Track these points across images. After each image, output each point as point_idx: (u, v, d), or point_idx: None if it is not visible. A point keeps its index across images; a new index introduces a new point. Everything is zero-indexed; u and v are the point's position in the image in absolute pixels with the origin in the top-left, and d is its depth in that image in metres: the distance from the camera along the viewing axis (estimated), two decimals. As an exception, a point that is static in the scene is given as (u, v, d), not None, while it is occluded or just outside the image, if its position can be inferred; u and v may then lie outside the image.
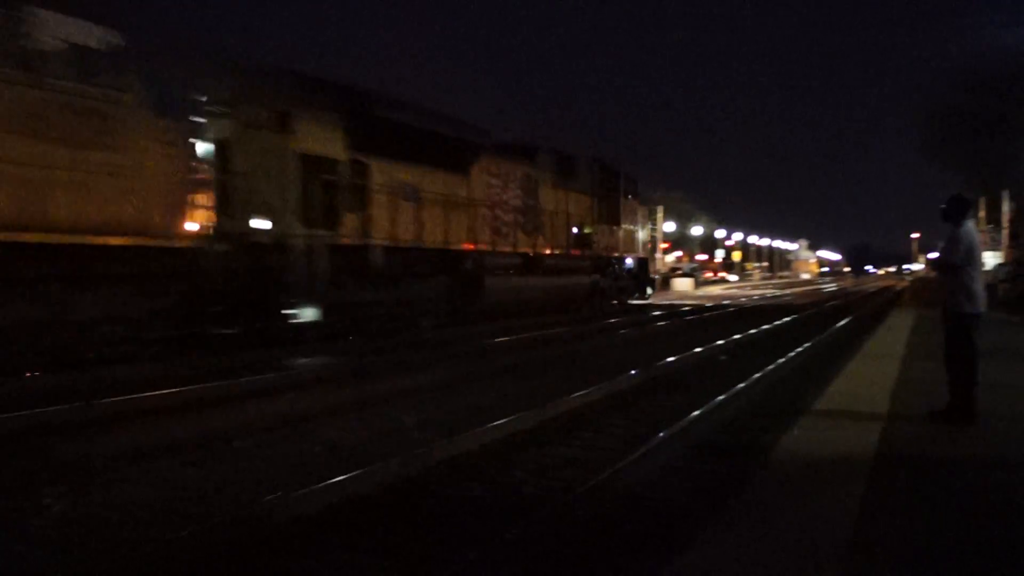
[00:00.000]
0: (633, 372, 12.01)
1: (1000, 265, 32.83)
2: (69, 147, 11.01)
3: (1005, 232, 38.93)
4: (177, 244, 12.58)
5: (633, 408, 10.02)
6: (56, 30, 10.98)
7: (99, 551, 5.04)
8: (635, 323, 23.79)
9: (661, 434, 7.80)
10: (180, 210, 12.67)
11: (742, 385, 10.82)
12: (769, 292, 58.05)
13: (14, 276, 10.73)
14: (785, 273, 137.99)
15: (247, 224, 14.20)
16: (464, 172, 20.57)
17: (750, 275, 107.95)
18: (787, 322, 24.39)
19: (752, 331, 19.97)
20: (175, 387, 10.26)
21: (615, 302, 29.56)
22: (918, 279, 53.44)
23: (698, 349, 15.39)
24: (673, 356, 14.12)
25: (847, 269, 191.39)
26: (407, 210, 18.25)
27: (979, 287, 7.63)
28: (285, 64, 17.21)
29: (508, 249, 22.62)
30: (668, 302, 36.69)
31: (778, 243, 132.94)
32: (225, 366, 12.45)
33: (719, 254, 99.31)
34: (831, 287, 74.35)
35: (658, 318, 25.84)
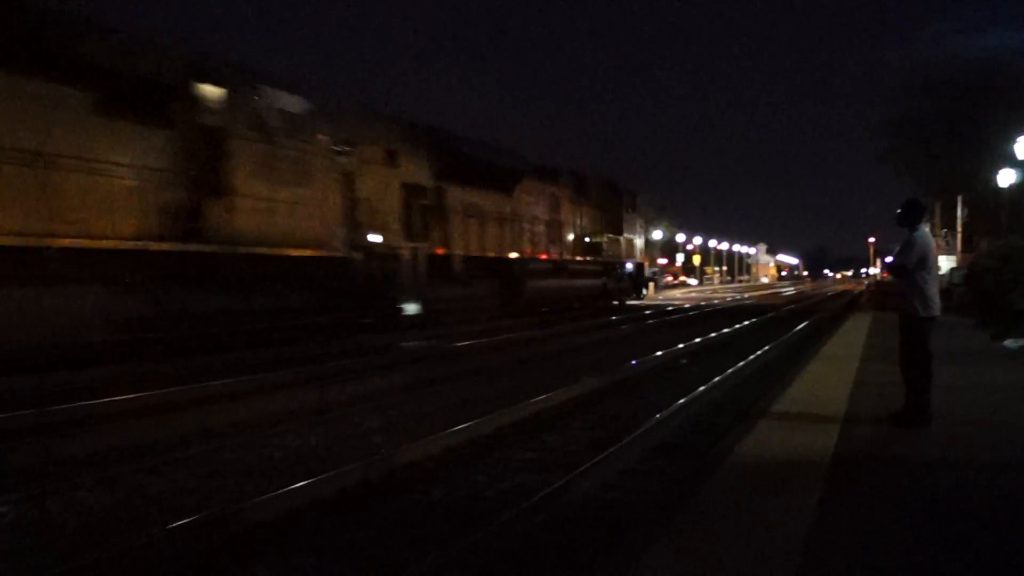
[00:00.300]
0: (597, 375, 12.06)
1: (954, 269, 33.39)
2: (286, 185, 16.15)
3: (959, 236, 39.64)
4: (336, 254, 17.47)
5: (595, 410, 10.06)
6: (275, 101, 15.97)
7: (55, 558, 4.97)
8: (599, 327, 23.88)
9: (623, 440, 7.82)
10: (338, 228, 17.63)
11: (701, 388, 10.93)
12: (729, 296, 58.51)
13: (253, 277, 15.44)
14: (744, 277, 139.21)
15: (366, 238, 18.49)
16: (509, 193, 25.47)
17: (710, 279, 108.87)
18: (747, 325, 24.62)
19: (712, 334, 20.12)
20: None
21: (615, 302, 34.08)
22: (875, 283, 54.29)
23: (659, 353, 15.47)
24: (635, 360, 14.20)
25: (805, 273, 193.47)
26: (473, 225, 23.34)
27: (933, 291, 7.74)
28: (387, 110, 22.58)
29: (541, 256, 27.66)
30: (629, 303, 36.80)
31: (737, 247, 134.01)
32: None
33: (679, 258, 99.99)
34: (790, 291, 75.15)
35: (620, 322, 25.93)
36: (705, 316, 30.05)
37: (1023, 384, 10.33)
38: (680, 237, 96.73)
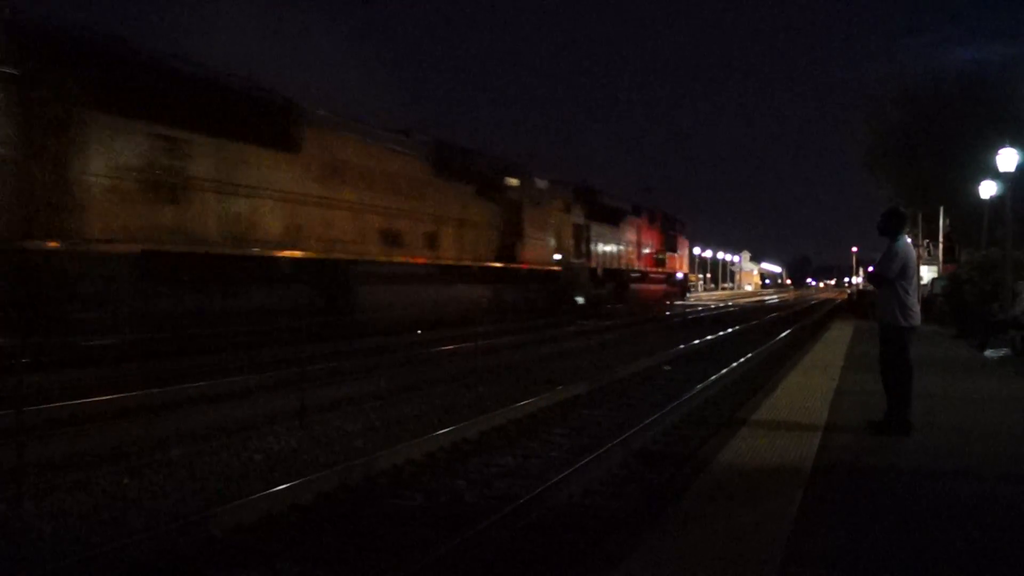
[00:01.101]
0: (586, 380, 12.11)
1: (936, 279, 33.63)
2: (540, 229, 28.14)
3: (941, 247, 39.86)
4: (554, 268, 29.15)
5: (580, 414, 10.08)
6: (535, 183, 27.91)
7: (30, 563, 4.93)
8: (596, 330, 24.02)
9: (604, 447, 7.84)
10: (553, 253, 29.25)
11: (684, 396, 10.96)
12: (713, 304, 58.71)
13: (527, 279, 27.61)
14: (728, 285, 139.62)
15: (560, 258, 29.73)
16: (618, 225, 36.66)
17: (694, 287, 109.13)
18: (730, 333, 24.72)
19: (696, 341, 20.19)
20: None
21: (668, 302, 45.35)
22: (858, 292, 54.89)
23: (644, 359, 15.51)
24: (621, 367, 14.23)
25: (788, 282, 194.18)
26: (603, 248, 34.60)
27: (914, 301, 7.77)
28: (564, 176, 32.06)
29: (635, 268, 39.29)
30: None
31: (721, 255, 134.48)
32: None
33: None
34: (773, 299, 75.46)
35: (609, 328, 26.00)
36: (690, 323, 30.24)
37: (1003, 394, 10.41)
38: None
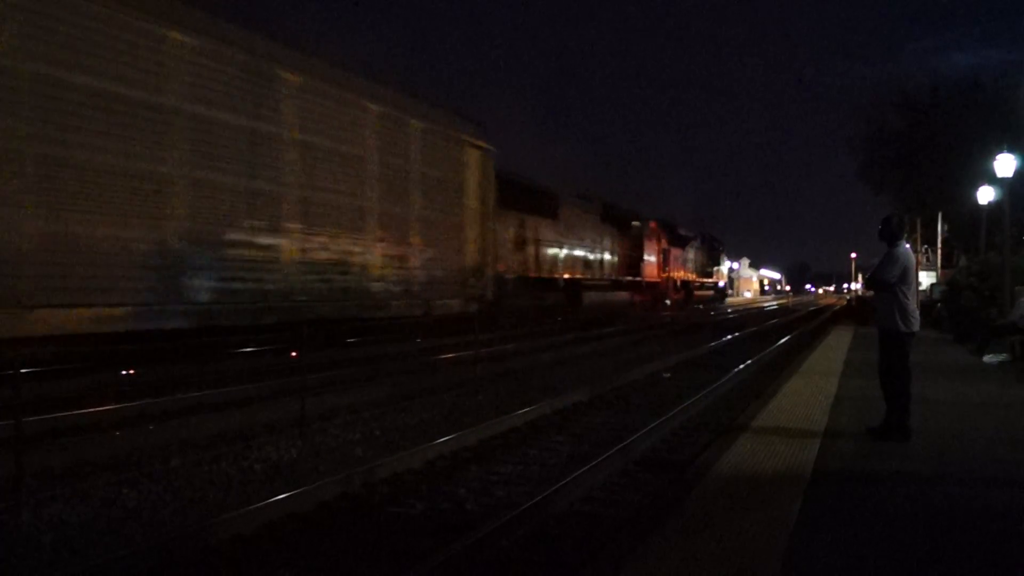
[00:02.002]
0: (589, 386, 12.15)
1: (935, 285, 33.67)
2: (652, 257, 41.50)
3: (940, 253, 39.95)
4: (655, 281, 41.51)
5: (578, 422, 10.07)
6: (610, 213, 36.37)
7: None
8: (595, 338, 23.97)
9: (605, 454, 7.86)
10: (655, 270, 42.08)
11: (684, 403, 10.95)
12: (713, 311, 58.68)
13: (612, 288, 36.50)
14: (728, 291, 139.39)
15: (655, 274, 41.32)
16: (684, 248, 48.31)
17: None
18: (730, 340, 24.73)
19: (697, 348, 20.18)
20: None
21: (700, 305, 54.17)
22: (856, 297, 55.09)
23: (645, 365, 15.51)
24: (624, 373, 14.22)
25: (788, 288, 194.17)
26: (682, 267, 46.70)
27: (913, 306, 7.79)
28: (655, 214, 43.25)
29: (690, 279, 50.64)
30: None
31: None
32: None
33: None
34: (773, 305, 75.52)
35: (612, 334, 25.99)
36: (692, 329, 30.18)
37: (1001, 399, 10.41)
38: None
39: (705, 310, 51.60)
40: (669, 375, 15.23)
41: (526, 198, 25.91)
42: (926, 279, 36.59)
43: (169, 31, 11.71)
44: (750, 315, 46.74)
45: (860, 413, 8.81)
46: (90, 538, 5.66)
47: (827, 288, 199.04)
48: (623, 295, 36.86)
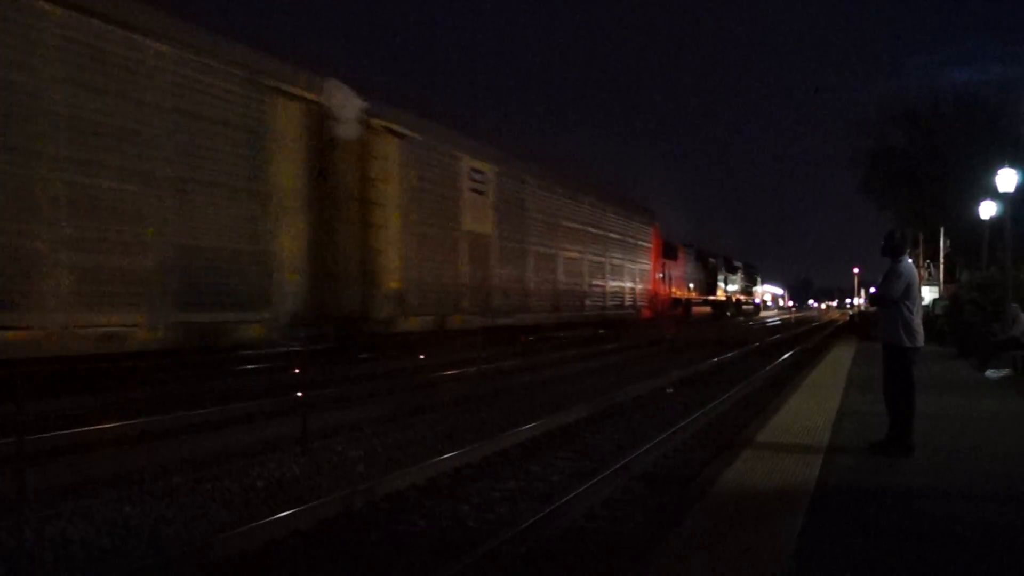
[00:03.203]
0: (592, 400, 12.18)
1: (937, 299, 33.63)
2: (718, 281, 60.90)
3: (942, 267, 39.92)
4: (721, 299, 61.43)
5: (581, 438, 10.06)
6: (714, 258, 60.03)
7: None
8: (599, 353, 23.98)
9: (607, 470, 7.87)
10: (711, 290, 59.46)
11: (687, 419, 10.94)
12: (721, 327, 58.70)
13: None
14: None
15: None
16: (735, 273, 67.77)
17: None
18: (734, 355, 24.69)
19: (700, 363, 20.15)
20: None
21: (741, 317, 70.20)
22: (859, 313, 55.47)
23: (648, 381, 15.50)
24: (624, 389, 14.21)
25: (791, 303, 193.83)
26: (731, 287, 66.91)
27: (918, 321, 7.79)
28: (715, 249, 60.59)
29: (741, 298, 72.46)
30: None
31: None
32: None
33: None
34: (776, 320, 75.50)
35: (614, 351, 25.97)
36: (694, 345, 30.17)
37: (1004, 414, 10.39)
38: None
39: (717, 326, 52.16)
40: (672, 391, 15.20)
41: (665, 251, 40.65)
42: (928, 294, 36.52)
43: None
44: (752, 331, 46.66)
45: (863, 428, 8.79)
46: (92, 556, 5.65)
47: (830, 303, 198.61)
48: (707, 308, 55.30)
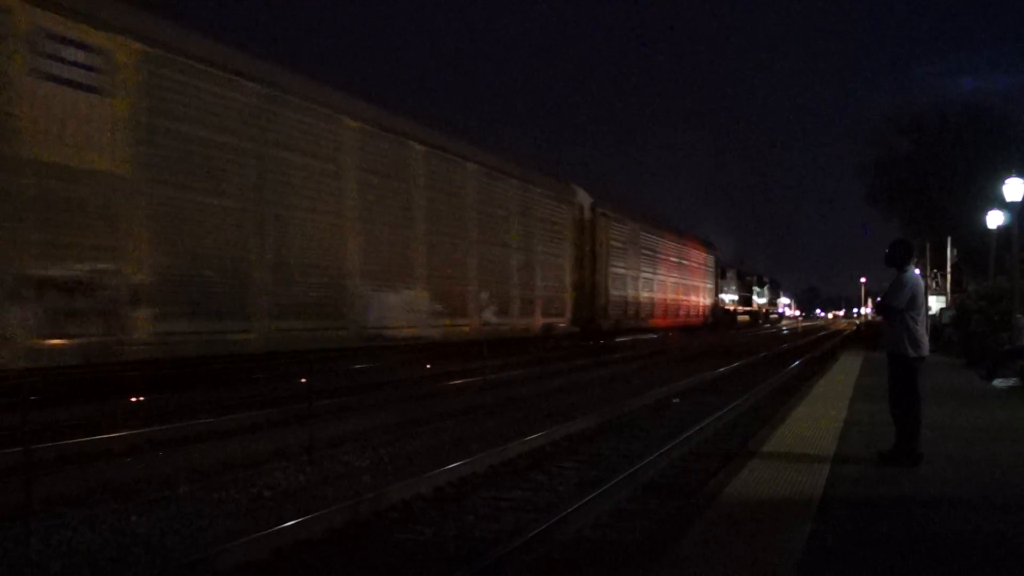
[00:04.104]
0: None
1: (944, 309, 33.53)
2: (743, 292, 77.61)
3: (949, 277, 39.81)
4: (752, 310, 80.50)
5: (590, 447, 10.05)
6: (738, 272, 74.63)
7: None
8: (617, 361, 24.01)
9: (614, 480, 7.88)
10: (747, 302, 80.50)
11: (693, 428, 10.92)
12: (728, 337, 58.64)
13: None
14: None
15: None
16: (764, 287, 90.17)
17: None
18: (740, 365, 24.65)
19: (708, 373, 20.11)
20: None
21: (767, 324, 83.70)
22: (865, 323, 55.62)
23: (655, 390, 15.48)
24: (630, 400, 14.20)
25: (799, 313, 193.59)
26: (757, 299, 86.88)
27: (922, 331, 7.77)
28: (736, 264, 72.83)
29: (766, 309, 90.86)
30: (631, 339, 37.55)
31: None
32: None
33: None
34: (784, 331, 75.44)
35: (624, 359, 25.98)
36: (702, 355, 30.14)
37: (1012, 424, 10.36)
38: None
39: (727, 336, 52.30)
40: (678, 400, 15.18)
41: (720, 272, 51.68)
42: (935, 303, 36.44)
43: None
44: (759, 340, 46.58)
45: (870, 438, 8.78)
46: (98, 565, 5.66)
47: (837, 313, 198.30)
48: (746, 317, 66.52)
